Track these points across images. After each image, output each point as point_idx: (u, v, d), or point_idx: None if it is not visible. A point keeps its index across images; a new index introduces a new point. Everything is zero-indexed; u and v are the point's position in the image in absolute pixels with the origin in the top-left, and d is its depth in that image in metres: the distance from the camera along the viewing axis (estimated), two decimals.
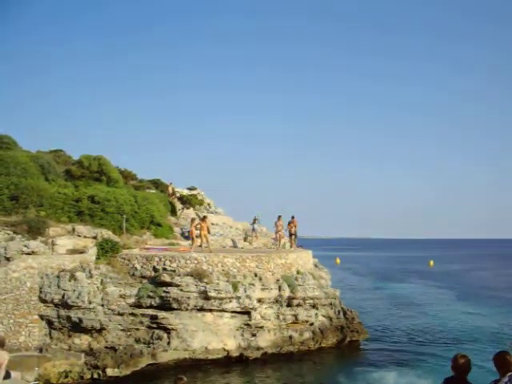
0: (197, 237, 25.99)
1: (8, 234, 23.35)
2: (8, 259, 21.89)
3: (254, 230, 34.27)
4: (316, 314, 26.08)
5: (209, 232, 28.24)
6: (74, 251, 24.22)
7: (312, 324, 25.83)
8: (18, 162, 28.20)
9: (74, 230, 26.01)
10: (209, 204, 45.47)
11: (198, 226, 26.13)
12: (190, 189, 46.34)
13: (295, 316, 24.96)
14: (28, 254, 22.44)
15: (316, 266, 29.70)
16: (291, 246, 31.81)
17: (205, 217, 28.25)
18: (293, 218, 31.91)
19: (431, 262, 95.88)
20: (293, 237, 31.90)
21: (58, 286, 21.35)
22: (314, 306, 25.99)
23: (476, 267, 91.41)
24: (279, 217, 30.82)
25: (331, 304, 27.34)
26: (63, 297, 21.18)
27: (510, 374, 5.55)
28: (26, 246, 22.76)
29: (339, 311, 27.71)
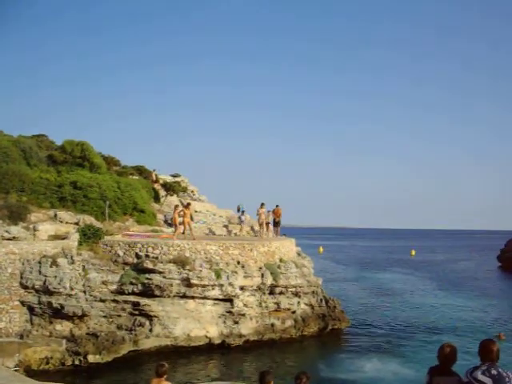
0: (180, 224, 25.93)
1: None
2: None
3: (242, 221, 34.15)
4: (298, 302, 26.20)
5: (192, 219, 28.20)
6: (55, 237, 24.01)
7: (294, 312, 25.94)
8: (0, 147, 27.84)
9: (55, 215, 25.80)
10: (192, 191, 45.32)
11: (182, 213, 26.07)
12: (174, 176, 46.16)
13: (277, 304, 25.05)
14: (9, 239, 22.19)
15: (299, 254, 29.80)
16: (276, 235, 31.88)
17: (188, 204, 28.14)
18: (277, 206, 31.99)
19: (413, 252, 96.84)
20: (277, 225, 32.01)
21: (40, 272, 21.17)
22: (296, 294, 26.10)
23: (458, 258, 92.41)
24: (262, 204, 30.65)
25: (313, 292, 27.48)
26: (44, 283, 21.01)
27: (489, 363, 5.59)
28: (7, 231, 22.53)
29: (321, 299, 27.86)
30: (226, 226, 35.41)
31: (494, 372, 5.48)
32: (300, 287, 26.15)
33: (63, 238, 23.72)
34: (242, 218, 34.16)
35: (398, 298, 40.37)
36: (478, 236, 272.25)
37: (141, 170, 41.64)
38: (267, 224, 31.00)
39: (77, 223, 25.86)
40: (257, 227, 32.61)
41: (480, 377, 5.48)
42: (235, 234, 33.82)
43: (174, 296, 22.38)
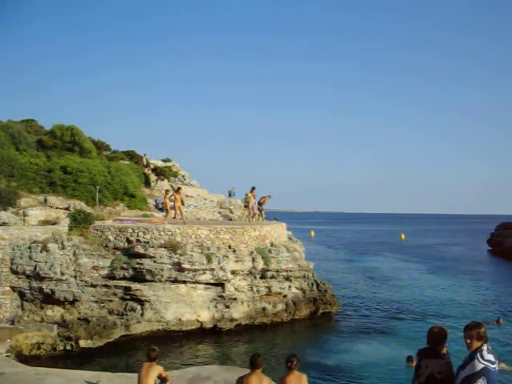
0: (171, 208, 25.88)
1: None
2: None
3: (246, 206, 33.27)
4: (289, 287, 26.28)
5: (183, 204, 28.13)
6: (46, 222, 23.91)
7: (285, 296, 26.03)
8: None
9: (46, 200, 25.67)
10: (183, 176, 45.26)
11: (172, 198, 26.00)
12: (165, 160, 46.05)
13: (269, 288, 25.12)
14: None
15: (290, 238, 29.85)
16: (262, 219, 31.73)
17: (179, 188, 28.06)
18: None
19: (402, 236, 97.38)
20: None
21: (30, 258, 21.07)
22: (287, 279, 26.18)
23: (449, 242, 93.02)
24: (252, 188, 30.12)
25: (305, 276, 27.57)
26: (35, 268, 20.93)
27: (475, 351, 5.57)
28: None
29: (312, 283, 27.97)
30: (226, 211, 35.09)
31: (490, 347, 5.53)
32: (291, 271, 26.23)
33: (53, 224, 23.63)
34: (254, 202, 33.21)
35: (389, 282, 40.63)
36: (471, 220, 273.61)
37: (131, 155, 41.46)
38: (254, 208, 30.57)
39: (67, 208, 25.74)
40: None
41: (489, 356, 5.47)
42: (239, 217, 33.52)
43: (166, 281, 22.38)
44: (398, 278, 43.26)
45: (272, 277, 25.30)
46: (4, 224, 22.23)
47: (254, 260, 24.51)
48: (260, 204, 31.80)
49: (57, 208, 25.59)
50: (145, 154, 41.72)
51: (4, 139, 28.38)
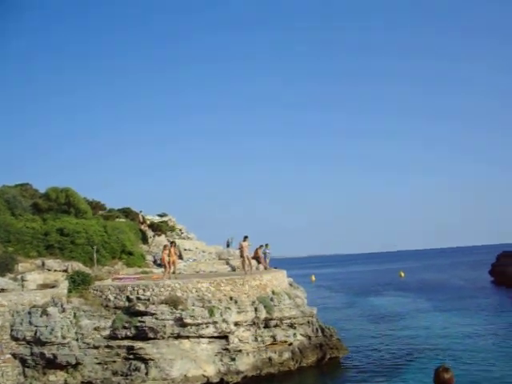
0: (168, 263, 25.85)
1: None
2: None
3: (265, 256, 33.54)
4: (294, 334, 25.97)
5: (181, 257, 28.08)
6: (44, 286, 23.77)
7: (291, 344, 25.70)
8: None
9: (43, 264, 25.57)
10: (181, 230, 45.15)
11: (167, 252, 26.07)
12: (161, 215, 46.02)
13: (273, 337, 24.82)
14: None
15: (291, 285, 29.66)
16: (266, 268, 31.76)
17: (172, 242, 28.13)
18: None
19: (402, 273, 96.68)
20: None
21: (30, 323, 20.87)
22: (291, 326, 25.90)
23: (449, 275, 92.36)
24: (245, 237, 30.05)
25: (309, 322, 27.28)
26: (36, 333, 20.69)
27: None
28: None
29: (317, 329, 27.64)
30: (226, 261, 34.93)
31: None
32: (295, 318, 25.97)
33: (52, 287, 23.49)
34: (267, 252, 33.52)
35: (393, 322, 40.16)
36: (470, 252, 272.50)
37: (127, 212, 41.47)
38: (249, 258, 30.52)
39: (65, 270, 25.63)
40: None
41: None
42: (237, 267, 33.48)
43: (169, 337, 22.12)
44: (402, 316, 42.76)
45: (276, 325, 25.03)
46: (2, 290, 22.07)
47: (256, 310, 24.30)
48: (256, 254, 32.02)
49: (55, 271, 25.47)
50: (141, 211, 41.73)
51: None
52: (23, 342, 20.87)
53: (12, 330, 20.80)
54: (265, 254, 33.08)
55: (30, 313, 21.14)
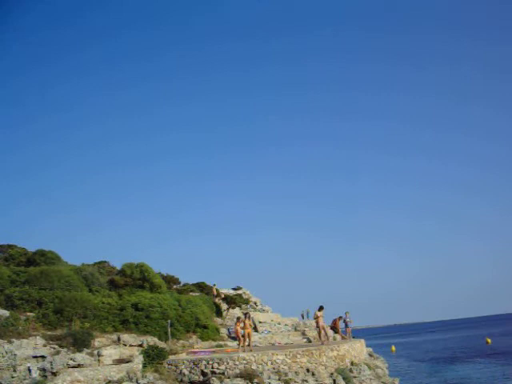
0: (243, 336, 25.35)
1: (54, 348, 23.05)
2: (54, 374, 21.45)
3: (346, 325, 32.53)
4: None
5: (256, 330, 27.54)
6: (120, 361, 23.72)
7: None
8: (62, 276, 28.44)
9: (119, 339, 25.64)
10: (255, 302, 44.80)
11: (243, 325, 25.63)
12: (235, 289, 45.99)
13: None
14: (74, 367, 22.00)
15: (371, 355, 28.36)
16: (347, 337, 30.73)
17: (247, 313, 27.64)
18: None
19: (488, 340, 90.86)
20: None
21: None
22: None
23: None
24: (320, 307, 29.27)
25: None
26: None
27: None
28: (71, 359, 22.37)
29: None
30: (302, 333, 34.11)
31: None
32: None
33: (127, 362, 23.40)
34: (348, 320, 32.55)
35: None
36: None
37: (201, 286, 41.65)
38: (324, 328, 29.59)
39: (140, 345, 25.60)
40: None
41: None
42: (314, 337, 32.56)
43: None
44: None
45: None
46: (79, 366, 22.14)
47: (334, 382, 23.16)
48: (334, 324, 31.13)
49: (130, 345, 25.46)
50: (214, 284, 41.78)
51: (77, 282, 29.15)
52: None
53: None
54: (345, 322, 31.99)
55: None
